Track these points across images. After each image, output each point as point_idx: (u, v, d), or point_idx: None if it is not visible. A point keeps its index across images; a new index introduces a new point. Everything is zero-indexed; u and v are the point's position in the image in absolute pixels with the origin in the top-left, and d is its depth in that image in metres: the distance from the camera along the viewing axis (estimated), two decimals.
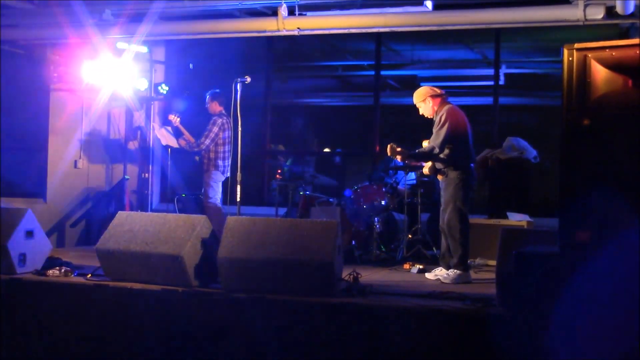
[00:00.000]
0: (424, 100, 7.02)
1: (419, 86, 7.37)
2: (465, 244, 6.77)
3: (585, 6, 7.44)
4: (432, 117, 7.03)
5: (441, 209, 7.00)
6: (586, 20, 7.51)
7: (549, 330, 4.73)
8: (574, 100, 4.66)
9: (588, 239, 4.55)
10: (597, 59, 4.60)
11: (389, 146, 6.96)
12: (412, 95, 7.16)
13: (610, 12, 7.42)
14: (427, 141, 7.03)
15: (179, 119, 8.93)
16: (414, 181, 8.64)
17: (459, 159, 6.82)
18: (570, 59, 4.68)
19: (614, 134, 4.57)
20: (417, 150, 6.99)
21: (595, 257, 4.47)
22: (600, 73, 4.60)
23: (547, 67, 12.09)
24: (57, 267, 6.52)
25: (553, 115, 10.51)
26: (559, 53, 4.81)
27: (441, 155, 6.83)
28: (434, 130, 6.87)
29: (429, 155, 6.90)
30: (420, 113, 7.10)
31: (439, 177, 6.99)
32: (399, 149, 6.93)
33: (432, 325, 5.20)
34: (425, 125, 7.20)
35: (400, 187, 8.74)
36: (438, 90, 7.05)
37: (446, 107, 6.90)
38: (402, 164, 7.92)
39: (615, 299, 4.40)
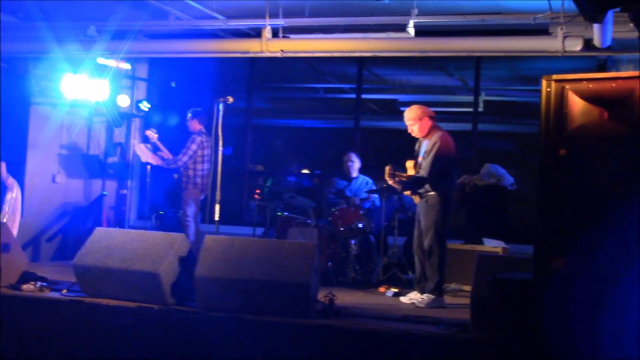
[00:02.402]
0: (421, 119, 6.97)
1: (399, 111, 7.42)
2: (442, 269, 6.81)
3: (564, 38, 7.56)
4: (420, 137, 7.05)
5: (416, 233, 7.04)
6: (565, 51, 7.63)
7: (523, 357, 4.78)
8: (552, 130, 4.73)
9: (563, 266, 4.61)
10: (574, 90, 4.69)
11: (387, 168, 6.99)
12: (393, 119, 7.18)
13: (588, 44, 7.55)
14: (411, 162, 7.07)
15: (156, 135, 8.93)
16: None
17: (444, 186, 6.87)
18: (549, 89, 4.76)
19: (590, 164, 4.64)
20: (406, 178, 7.02)
21: (570, 284, 4.53)
22: (577, 104, 4.68)
23: (526, 95, 12.23)
24: (32, 282, 6.49)
25: (531, 143, 10.63)
26: (538, 82, 4.89)
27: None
28: (425, 155, 6.87)
29: (419, 183, 6.91)
30: (409, 131, 7.07)
31: (416, 199, 7.03)
32: (394, 172, 6.97)
33: (407, 348, 5.24)
34: (404, 149, 7.24)
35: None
36: (433, 113, 7.07)
37: (439, 134, 6.90)
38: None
39: (591, 325, 4.45)
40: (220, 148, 7.32)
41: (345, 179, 9.33)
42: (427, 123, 6.98)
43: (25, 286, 6.42)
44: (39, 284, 6.47)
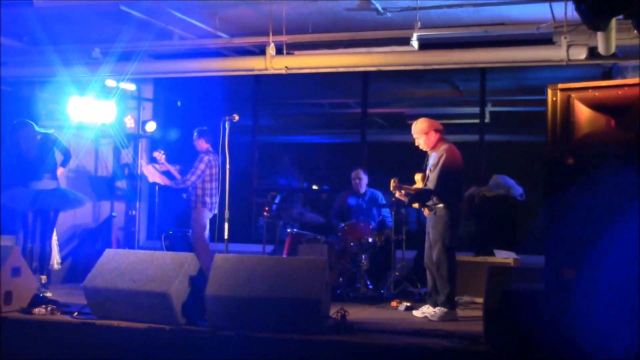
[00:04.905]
0: (427, 133, 7.00)
1: (406, 124, 7.41)
2: (452, 281, 6.79)
3: (569, 47, 7.56)
4: (428, 150, 7.07)
5: (426, 245, 7.03)
6: (569, 60, 7.63)
7: None
8: (558, 139, 4.73)
9: (574, 276, 4.58)
10: (580, 99, 4.69)
11: (392, 181, 7.01)
12: (400, 133, 7.19)
13: (593, 52, 7.56)
14: (420, 174, 7.08)
15: (164, 155, 8.95)
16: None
17: (451, 198, 6.86)
18: (554, 99, 4.76)
19: (598, 172, 4.63)
20: (414, 191, 7.03)
21: (581, 293, 4.50)
22: (583, 113, 4.67)
23: (532, 105, 12.22)
24: (43, 305, 6.49)
25: (538, 152, 10.61)
26: (544, 92, 4.89)
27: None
28: (432, 168, 6.89)
29: (426, 195, 6.92)
30: (417, 144, 7.10)
31: (425, 212, 7.02)
32: (401, 185, 7.01)
33: None
34: (412, 163, 7.24)
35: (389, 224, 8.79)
36: (440, 126, 7.10)
37: (445, 147, 6.92)
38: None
39: (603, 335, 4.42)
40: (228, 167, 7.34)
41: (356, 195, 9.32)
42: (434, 136, 7.00)
43: (36, 310, 6.42)
44: (50, 307, 6.46)
